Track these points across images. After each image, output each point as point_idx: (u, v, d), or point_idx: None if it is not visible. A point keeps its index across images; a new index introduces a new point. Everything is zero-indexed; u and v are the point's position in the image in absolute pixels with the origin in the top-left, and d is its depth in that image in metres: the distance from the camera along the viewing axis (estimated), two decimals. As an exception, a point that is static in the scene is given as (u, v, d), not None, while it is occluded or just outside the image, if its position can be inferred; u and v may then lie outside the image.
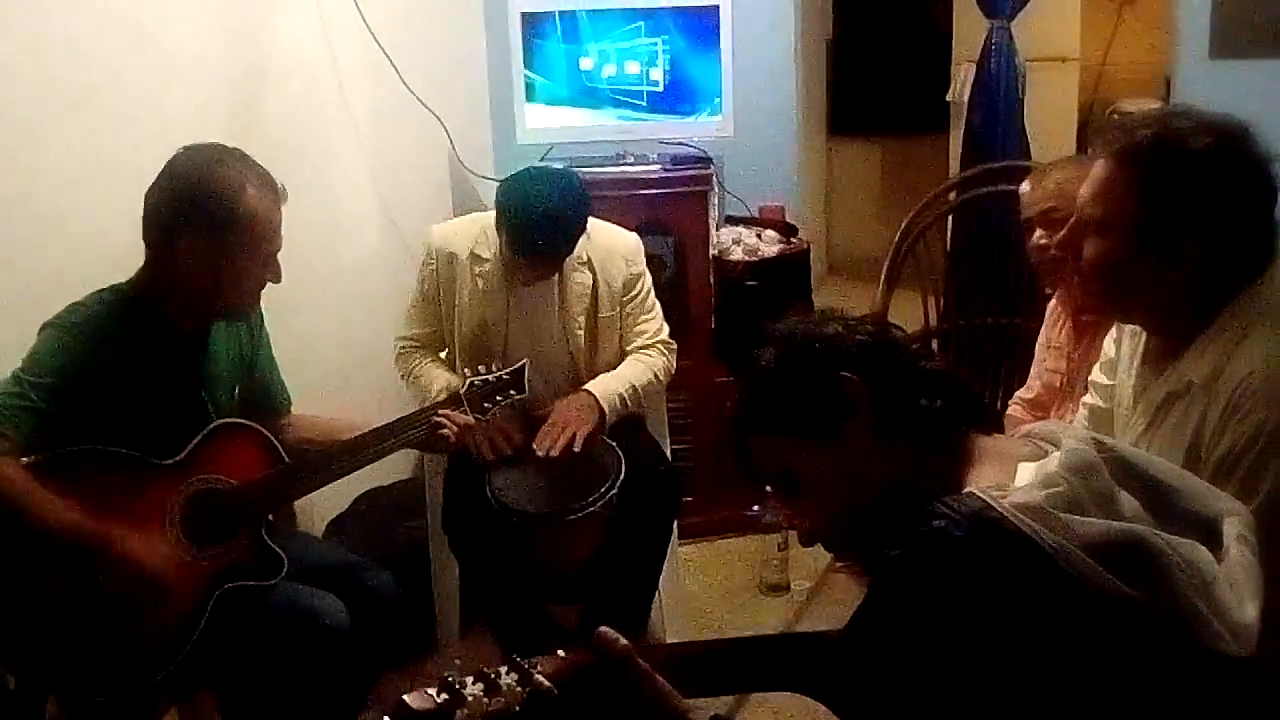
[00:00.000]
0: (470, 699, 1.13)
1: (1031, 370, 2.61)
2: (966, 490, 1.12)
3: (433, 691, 1.14)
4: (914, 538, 1.12)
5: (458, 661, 1.21)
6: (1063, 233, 1.66)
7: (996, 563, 1.07)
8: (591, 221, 2.80)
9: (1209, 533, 1.16)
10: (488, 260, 2.73)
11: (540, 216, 2.56)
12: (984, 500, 1.10)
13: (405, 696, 1.13)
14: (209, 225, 1.99)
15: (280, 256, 2.11)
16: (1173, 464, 1.45)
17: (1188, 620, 1.05)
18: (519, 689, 1.16)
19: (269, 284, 2.14)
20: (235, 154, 2.04)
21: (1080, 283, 1.65)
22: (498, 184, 2.74)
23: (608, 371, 2.80)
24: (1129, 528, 1.09)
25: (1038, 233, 2.44)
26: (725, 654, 1.41)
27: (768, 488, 1.48)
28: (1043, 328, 2.60)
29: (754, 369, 1.34)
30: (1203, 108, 1.58)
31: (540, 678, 1.17)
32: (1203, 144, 1.50)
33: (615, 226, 2.88)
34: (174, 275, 2.04)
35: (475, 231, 2.78)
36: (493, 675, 1.16)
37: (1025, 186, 2.49)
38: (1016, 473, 1.15)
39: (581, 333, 2.78)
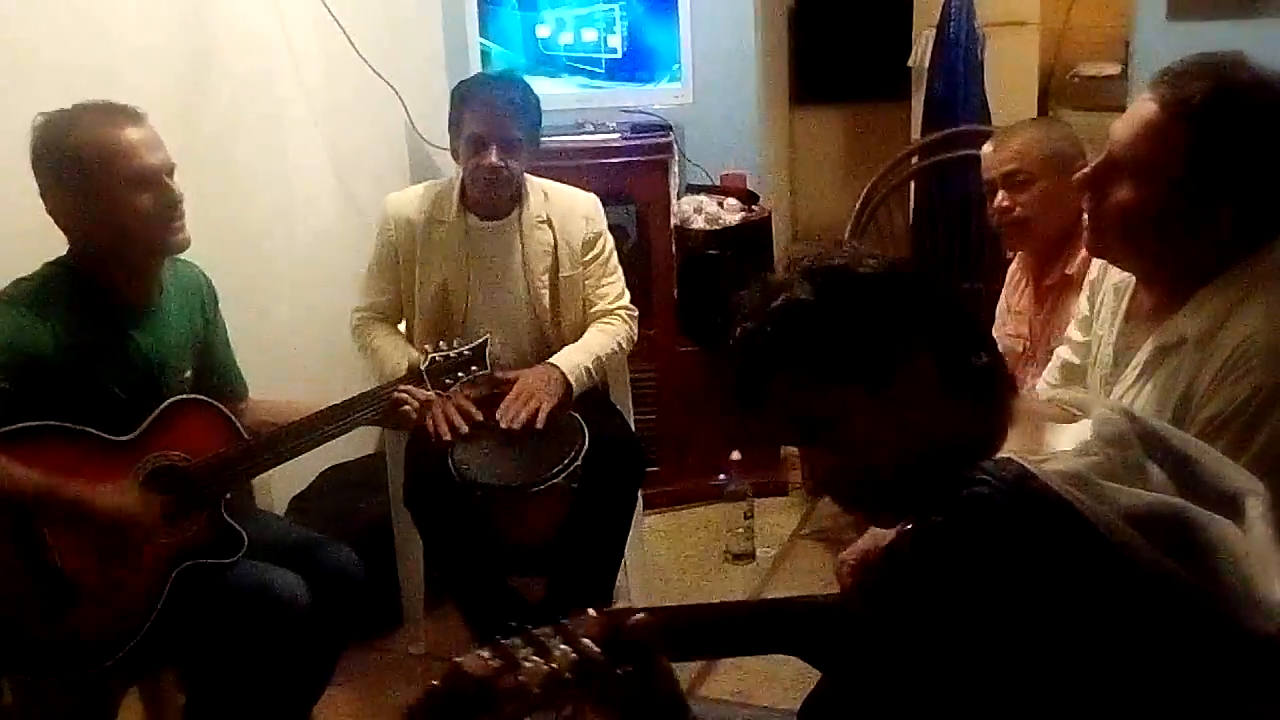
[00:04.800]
0: (527, 665, 1.11)
1: (992, 334, 2.61)
2: (1004, 455, 1.09)
3: (486, 654, 1.12)
4: (954, 504, 1.08)
5: (513, 624, 1.18)
6: (1086, 170, 1.58)
7: (1038, 531, 1.04)
8: (549, 182, 2.83)
9: (1232, 508, 1.13)
10: (445, 223, 2.73)
11: (499, 97, 2.64)
12: (1025, 467, 1.06)
13: (459, 659, 1.11)
14: (59, 171, 1.97)
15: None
16: (1195, 437, 1.45)
17: (1225, 597, 1.03)
18: (571, 655, 1.14)
19: (175, 227, 2.05)
20: (79, 105, 2.00)
21: (1097, 224, 1.58)
22: (451, 91, 2.78)
23: (573, 335, 2.79)
24: (1172, 500, 1.06)
25: (1000, 195, 2.43)
26: (719, 622, 1.40)
27: (777, 437, 1.37)
28: (1003, 292, 2.60)
29: (783, 301, 1.19)
30: (1254, 60, 1.50)
31: (588, 643, 1.14)
32: (1262, 102, 1.45)
33: (573, 187, 2.88)
34: (77, 235, 2.02)
35: (431, 196, 2.78)
36: (542, 639, 1.14)
37: (987, 149, 2.49)
38: (1046, 436, 1.12)
39: (545, 292, 2.77)
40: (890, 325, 1.17)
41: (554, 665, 1.11)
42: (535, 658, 1.11)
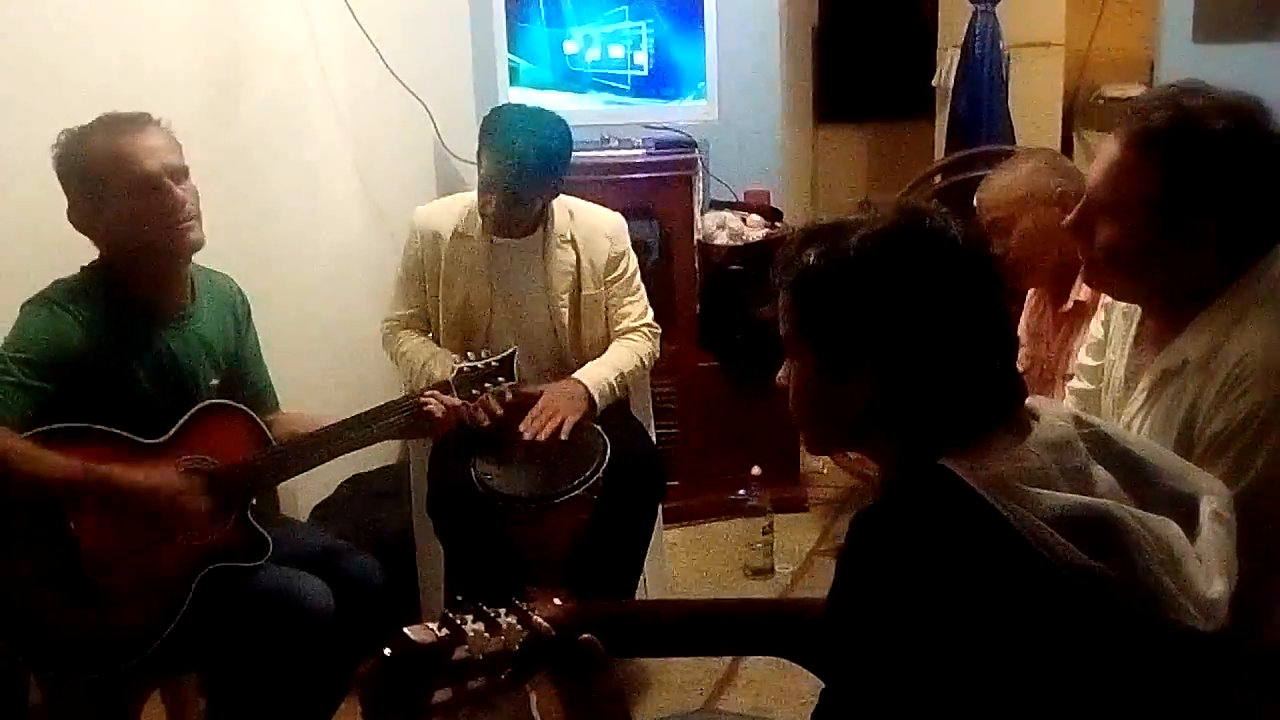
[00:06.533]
0: (471, 635, 1.15)
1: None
2: (936, 462, 1.13)
3: (434, 626, 1.16)
4: (881, 507, 1.13)
5: (459, 598, 1.22)
6: (1071, 216, 1.64)
7: (962, 535, 1.08)
8: (575, 201, 2.84)
9: (1186, 510, 1.16)
10: (471, 238, 2.75)
11: (518, 146, 2.58)
12: (951, 472, 1.10)
13: (406, 629, 1.15)
14: (74, 183, 2.01)
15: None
16: (1156, 442, 1.45)
17: (1153, 595, 1.06)
18: (519, 629, 1.17)
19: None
20: (94, 120, 2.03)
21: (1090, 263, 1.62)
22: (485, 116, 2.74)
23: (593, 352, 2.81)
24: (1095, 502, 1.09)
25: (995, 243, 2.45)
26: (712, 616, 1.44)
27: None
28: (1023, 315, 2.61)
29: (814, 257, 1.21)
30: (1211, 84, 1.53)
31: (539, 619, 1.19)
32: (1221, 125, 1.47)
33: (598, 206, 2.89)
34: (99, 242, 2.06)
35: (458, 210, 2.79)
36: (493, 615, 1.18)
37: (976, 199, 2.52)
38: (989, 443, 1.15)
39: (566, 311, 2.78)
40: (869, 338, 1.18)
41: (503, 639, 1.16)
42: (484, 631, 1.15)
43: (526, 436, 2.54)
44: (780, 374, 1.31)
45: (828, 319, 1.21)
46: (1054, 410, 1.21)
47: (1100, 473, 1.15)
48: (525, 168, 2.60)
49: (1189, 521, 1.14)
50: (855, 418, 1.22)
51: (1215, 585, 1.09)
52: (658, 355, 2.91)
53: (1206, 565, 1.11)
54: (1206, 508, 1.16)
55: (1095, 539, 1.06)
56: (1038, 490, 1.08)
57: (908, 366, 1.17)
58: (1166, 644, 1.07)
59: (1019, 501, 1.07)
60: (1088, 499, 1.10)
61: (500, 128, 2.65)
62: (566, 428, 2.57)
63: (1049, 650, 1.06)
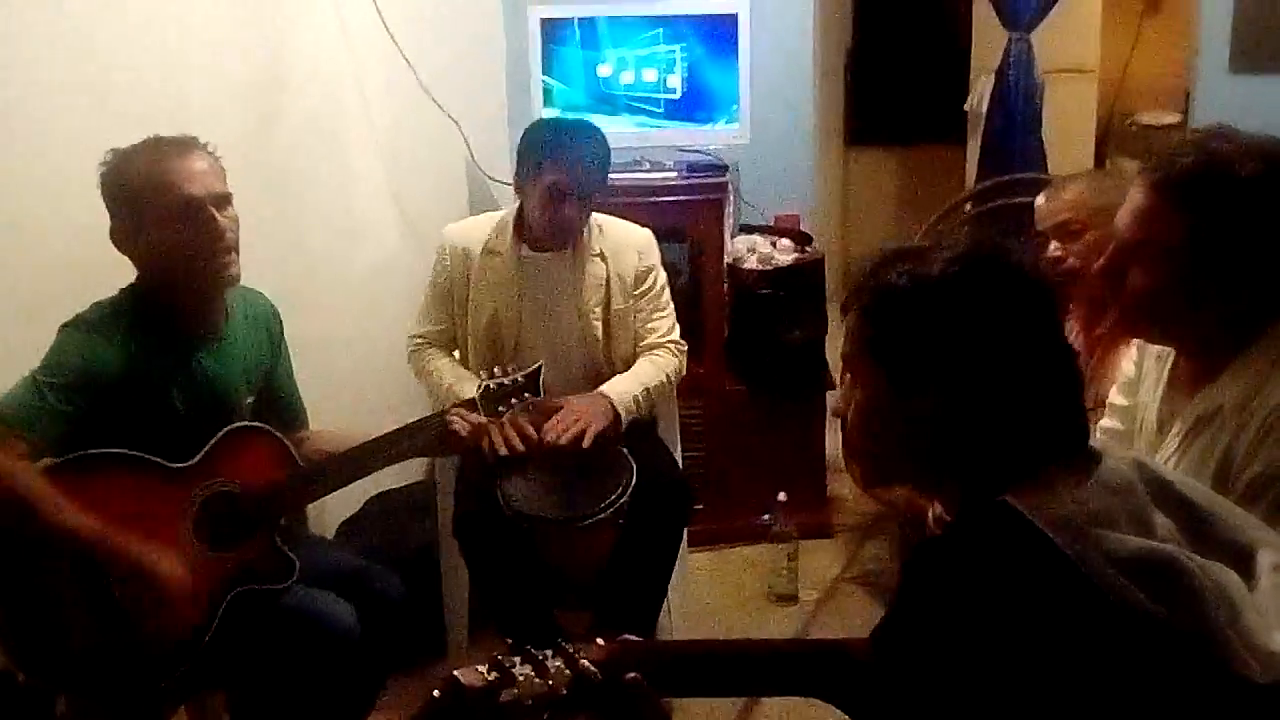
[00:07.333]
0: (520, 679, 1.17)
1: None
2: (999, 499, 1.12)
3: (483, 669, 1.18)
4: (942, 542, 1.13)
5: (509, 641, 1.24)
6: (1101, 262, 1.64)
7: (1024, 573, 1.07)
8: (604, 217, 2.86)
9: (1243, 561, 1.16)
10: (501, 254, 2.77)
11: (583, 152, 2.66)
12: (1014, 509, 1.10)
13: (456, 672, 1.18)
14: (116, 204, 2.02)
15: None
16: (1211, 490, 1.45)
17: (1214, 643, 1.05)
18: (566, 672, 1.19)
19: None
20: (140, 142, 2.03)
21: (1122, 309, 1.63)
22: (528, 129, 2.79)
23: (624, 366, 2.82)
24: (1159, 547, 1.09)
25: (1052, 245, 2.44)
26: (743, 657, 1.44)
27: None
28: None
29: (892, 280, 1.22)
30: (1238, 127, 1.54)
31: (586, 663, 1.21)
32: (1250, 170, 1.47)
33: (628, 222, 2.91)
34: (138, 264, 2.07)
35: (488, 227, 2.82)
36: (540, 658, 1.20)
37: (1040, 200, 2.50)
38: (1052, 482, 1.14)
39: (598, 325, 2.79)
40: (944, 364, 1.19)
41: (550, 683, 1.18)
42: (532, 675, 1.17)
43: (549, 438, 2.52)
44: (837, 400, 1.31)
45: (905, 343, 1.21)
46: (1117, 453, 1.21)
47: (1160, 518, 1.15)
48: (598, 168, 2.69)
49: (1245, 572, 1.14)
50: (920, 447, 1.22)
51: (1276, 637, 1.08)
52: (684, 372, 2.91)
53: (1266, 617, 1.10)
54: (1265, 560, 1.15)
55: (1159, 584, 1.06)
56: (1102, 532, 1.08)
57: (980, 398, 1.18)
58: (1226, 693, 1.06)
59: (1083, 542, 1.07)
60: (1152, 543, 1.10)
61: (560, 133, 2.73)
62: (590, 435, 2.56)
63: (1111, 693, 1.06)
